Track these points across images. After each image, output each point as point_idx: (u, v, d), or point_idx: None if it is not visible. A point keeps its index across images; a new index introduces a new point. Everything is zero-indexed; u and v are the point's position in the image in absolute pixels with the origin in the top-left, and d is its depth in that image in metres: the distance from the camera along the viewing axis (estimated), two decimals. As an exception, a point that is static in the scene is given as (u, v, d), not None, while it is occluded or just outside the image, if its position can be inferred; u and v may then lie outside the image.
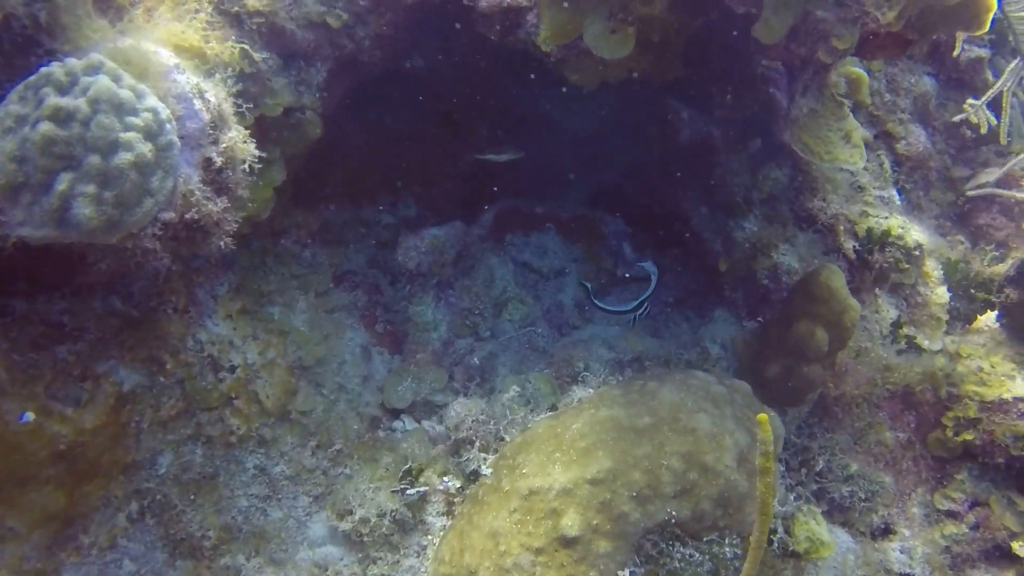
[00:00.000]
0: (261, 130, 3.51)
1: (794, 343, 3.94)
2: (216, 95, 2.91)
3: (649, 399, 3.21)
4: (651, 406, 3.16)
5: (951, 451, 3.98)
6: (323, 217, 4.77)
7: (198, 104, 2.75)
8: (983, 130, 4.33)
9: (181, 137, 2.70)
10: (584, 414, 3.29)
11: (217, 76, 3.11)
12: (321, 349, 4.16)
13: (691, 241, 5.11)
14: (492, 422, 3.62)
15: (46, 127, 2.35)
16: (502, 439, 3.59)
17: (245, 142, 2.95)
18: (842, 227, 5.05)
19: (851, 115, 3.95)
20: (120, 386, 3.43)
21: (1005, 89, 3.90)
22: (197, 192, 2.74)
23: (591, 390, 3.61)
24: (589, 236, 5.21)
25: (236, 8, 3.24)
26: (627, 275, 5.09)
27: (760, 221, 4.89)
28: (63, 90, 2.41)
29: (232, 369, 3.77)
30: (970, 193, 5.19)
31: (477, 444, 3.56)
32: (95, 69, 2.46)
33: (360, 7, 3.68)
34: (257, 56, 3.26)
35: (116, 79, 2.47)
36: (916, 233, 5.18)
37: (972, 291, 4.46)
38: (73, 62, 2.46)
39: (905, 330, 4.70)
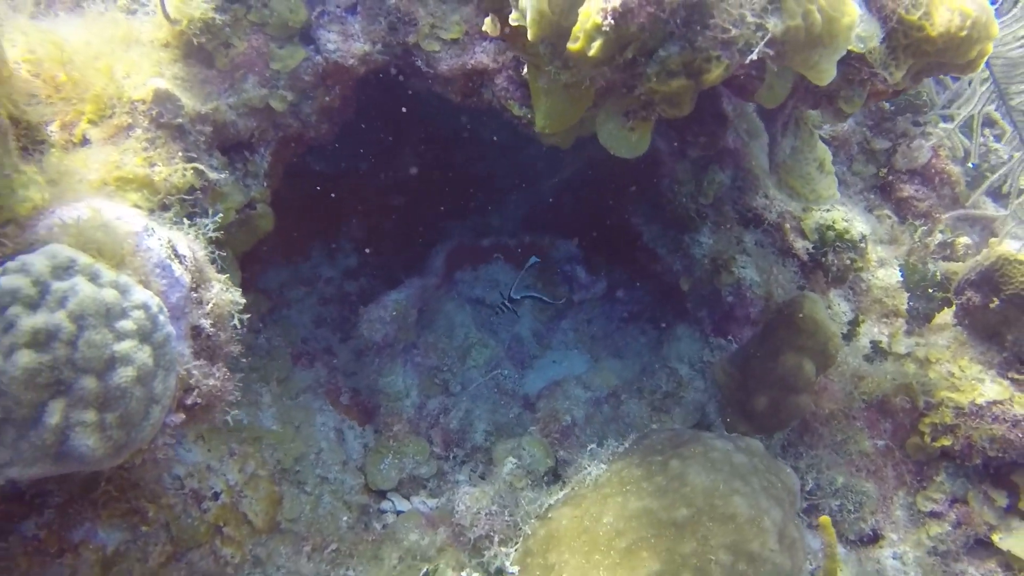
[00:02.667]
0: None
1: (780, 375, 3.98)
2: (188, 245, 2.52)
3: (679, 485, 3.15)
4: (684, 494, 3.10)
5: (929, 455, 4.18)
6: (260, 285, 4.37)
7: (177, 269, 2.37)
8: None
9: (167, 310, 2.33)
10: (611, 504, 3.20)
11: (173, 209, 2.70)
12: (297, 445, 3.86)
13: (643, 257, 5.04)
14: (506, 512, 3.48)
15: (26, 358, 1.95)
16: (518, 527, 3.46)
17: (228, 290, 2.58)
18: (788, 225, 5.11)
19: (819, 139, 3.93)
20: (103, 550, 3.04)
21: (975, 113, 3.98)
22: (195, 372, 2.39)
23: (603, 465, 3.52)
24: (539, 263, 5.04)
25: (177, 119, 2.80)
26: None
27: (712, 232, 4.87)
28: (34, 305, 2.00)
29: (216, 496, 3.43)
30: (945, 217, 5.37)
31: (496, 539, 3.42)
32: (66, 270, 2.05)
33: (305, 83, 3.28)
34: (212, 175, 2.84)
35: (94, 278, 2.07)
36: (859, 224, 5.32)
37: (930, 291, 4.63)
38: (37, 265, 2.03)
39: (863, 327, 4.85)
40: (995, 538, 3.97)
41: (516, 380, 4.70)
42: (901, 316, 5.14)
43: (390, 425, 4.17)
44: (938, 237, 5.79)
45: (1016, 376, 4.19)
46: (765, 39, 2.27)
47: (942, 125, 4.60)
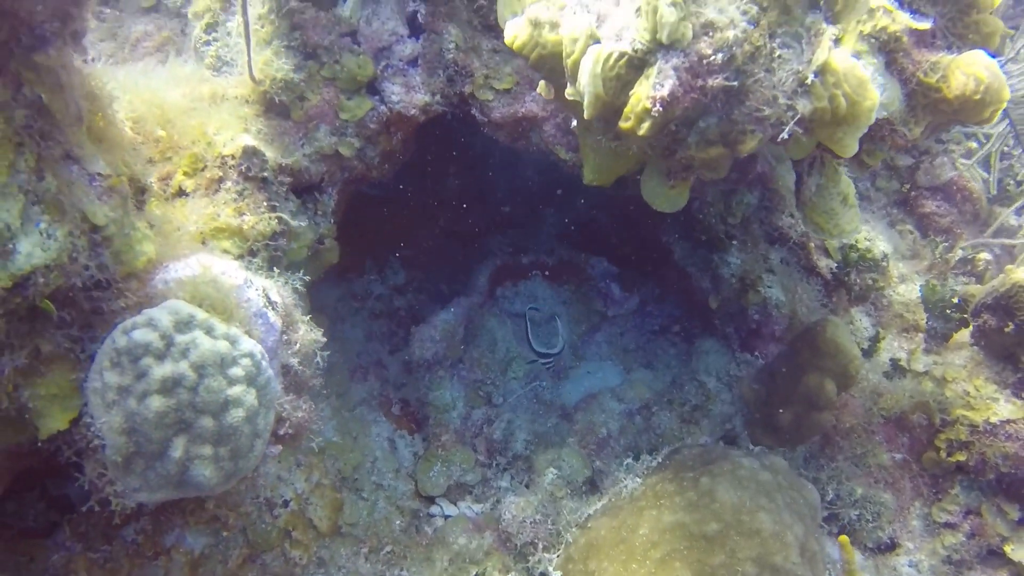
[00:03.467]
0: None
1: (803, 394, 4.26)
2: (279, 292, 2.85)
3: (708, 500, 3.46)
4: (714, 510, 3.41)
5: (944, 470, 4.45)
6: (317, 303, 4.71)
7: (272, 316, 2.70)
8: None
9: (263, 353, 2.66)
10: (646, 516, 3.52)
11: (260, 254, 3.03)
12: (356, 455, 4.20)
13: (673, 274, 5.32)
14: (549, 520, 3.81)
15: (157, 403, 2.29)
16: (559, 534, 3.78)
17: (311, 331, 2.92)
18: (813, 244, 5.38)
19: (844, 173, 4.18)
20: (191, 553, 3.41)
21: (993, 150, 4.22)
22: (286, 405, 2.72)
23: (638, 479, 3.83)
24: (575, 279, 5.35)
25: (263, 173, 3.12)
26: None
27: (739, 251, 5.13)
28: (161, 356, 2.34)
29: (285, 504, 3.78)
30: (964, 245, 5.60)
31: (540, 545, 3.75)
32: (187, 324, 2.39)
33: (370, 130, 3.59)
34: (292, 222, 3.17)
35: (209, 331, 2.41)
36: (881, 243, 5.57)
37: (948, 312, 4.88)
38: (163, 321, 2.37)
39: (884, 343, 5.10)
40: (1007, 549, 4.25)
41: (553, 391, 5.02)
42: (921, 330, 5.37)
43: (439, 436, 4.50)
44: (959, 253, 6.01)
45: (1029, 396, 4.45)
46: (795, 119, 2.55)
47: (961, 161, 4.83)
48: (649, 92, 2.43)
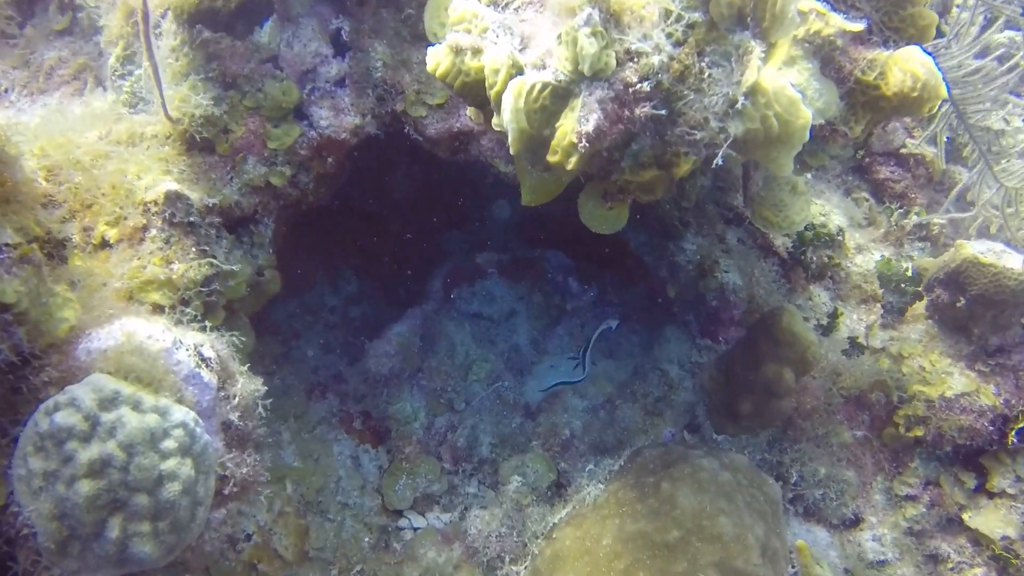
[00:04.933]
0: (225, 310, 3.37)
1: (763, 383, 4.27)
2: (211, 345, 2.76)
3: (669, 508, 3.46)
4: (674, 516, 3.42)
5: (904, 444, 4.50)
6: (270, 321, 4.62)
7: (205, 375, 2.62)
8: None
9: (199, 413, 2.59)
10: (609, 526, 3.52)
11: (192, 303, 2.94)
12: (318, 478, 4.16)
13: (631, 263, 5.28)
14: (515, 532, 3.80)
15: (87, 487, 2.22)
16: (527, 547, 3.78)
17: (250, 381, 2.84)
18: (767, 223, 5.34)
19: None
20: (151, 603, 3.37)
21: (938, 131, 4.19)
22: (229, 463, 2.66)
23: (601, 485, 3.82)
24: (532, 274, 5.29)
25: (189, 217, 3.01)
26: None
27: (695, 235, 5.09)
28: (87, 437, 2.26)
29: (248, 538, 3.74)
30: (918, 220, 5.56)
31: (507, 558, 3.75)
32: (112, 402, 2.30)
33: (301, 156, 3.48)
34: (225, 266, 3.07)
35: (136, 406, 2.33)
36: (836, 217, 5.55)
37: (903, 286, 4.88)
38: (86, 400, 2.28)
39: (843, 318, 5.10)
40: (965, 516, 4.32)
41: (516, 390, 4.99)
42: (879, 300, 5.40)
43: (402, 448, 4.46)
44: (914, 219, 6.01)
45: (982, 368, 4.48)
46: (728, 141, 2.48)
47: (909, 141, 4.81)
48: (574, 127, 2.35)
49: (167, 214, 2.94)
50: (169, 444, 2.34)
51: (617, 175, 2.69)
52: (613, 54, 2.35)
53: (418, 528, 4.32)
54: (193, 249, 3.01)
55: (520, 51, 2.60)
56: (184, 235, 3.01)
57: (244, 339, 3.58)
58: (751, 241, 5.31)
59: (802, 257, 5.29)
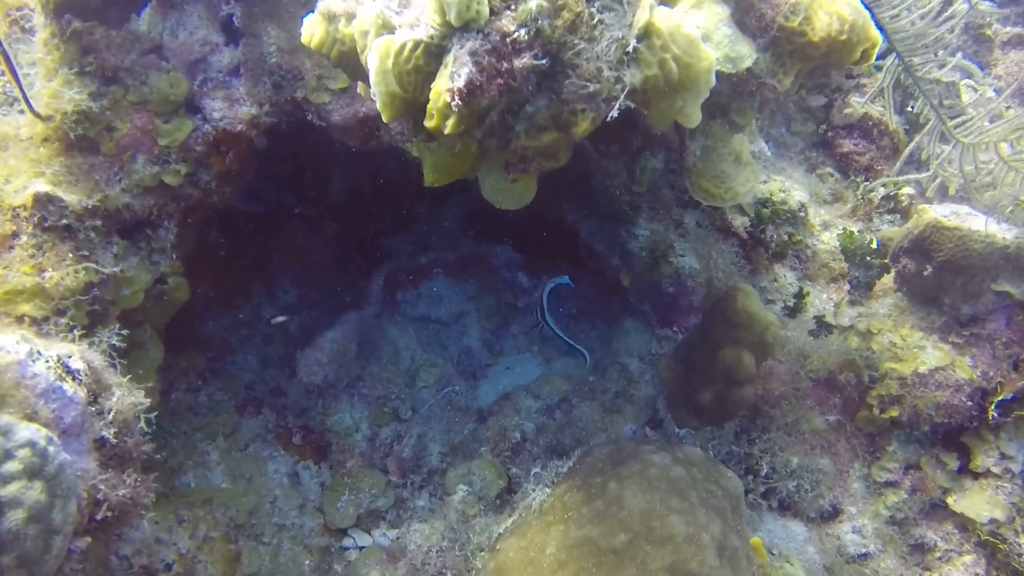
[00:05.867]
0: (125, 320, 3.11)
1: (722, 369, 4.01)
2: (82, 356, 2.51)
3: (616, 509, 3.19)
4: (621, 519, 3.14)
5: (880, 427, 4.23)
6: (202, 336, 4.37)
7: (69, 388, 2.36)
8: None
9: (62, 432, 2.34)
10: (554, 533, 3.25)
11: (70, 312, 2.69)
12: (250, 499, 3.89)
13: (583, 253, 5.03)
14: (457, 547, 3.53)
15: (-90, 521, 1.95)
16: (469, 561, 3.51)
17: (130, 394, 2.58)
18: (725, 203, 5.09)
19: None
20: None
21: (885, 86, 3.96)
22: (101, 486, 2.39)
23: (547, 489, 3.56)
24: (480, 272, 5.04)
25: (63, 220, 2.76)
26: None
27: (649, 221, 4.84)
28: (-87, 463, 2.00)
29: (168, 567, 3.47)
30: (873, 184, 5.31)
31: (449, 574, 3.48)
32: (-57, 422, 2.05)
33: (198, 152, 3.23)
34: (106, 269, 2.82)
35: (-27, 424, 2.07)
36: (797, 192, 5.30)
37: (868, 259, 4.64)
38: (-88, 422, 2.03)
39: (811, 298, 4.85)
40: (950, 500, 4.05)
41: (469, 395, 4.73)
42: (847, 278, 5.15)
43: (343, 462, 4.20)
44: (880, 192, 5.77)
45: (956, 340, 4.22)
46: (625, 91, 2.24)
47: (855, 100, 4.59)
48: (446, 84, 2.11)
49: (36, 218, 2.69)
50: (12, 467, 2.08)
51: (514, 141, 2.44)
52: (486, 2, 2.11)
53: (363, 547, 4.05)
54: (70, 255, 2.76)
55: (398, 13, 2.36)
56: (59, 240, 2.76)
57: (152, 353, 3.33)
58: (709, 223, 5.07)
59: (762, 236, 5.05)
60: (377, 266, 4.81)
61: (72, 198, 2.83)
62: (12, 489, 2.06)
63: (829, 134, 6.05)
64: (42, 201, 2.71)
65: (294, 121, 3.30)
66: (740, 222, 5.19)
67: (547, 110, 2.39)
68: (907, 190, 5.80)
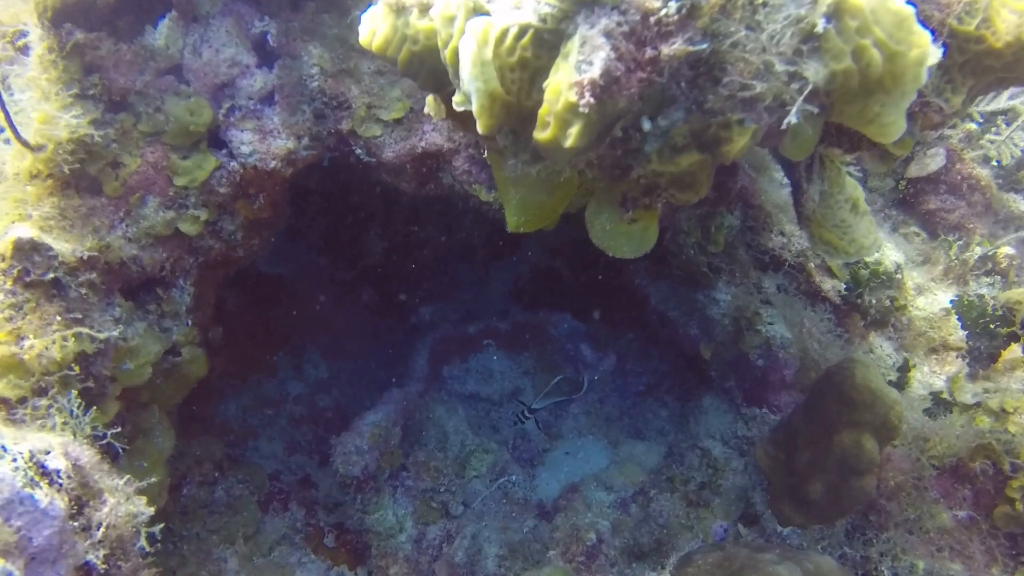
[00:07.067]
0: (128, 401, 2.50)
1: (838, 456, 3.34)
2: (64, 450, 1.88)
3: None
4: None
5: (1023, 525, 3.51)
6: (218, 418, 3.73)
7: (42, 497, 1.73)
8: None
9: (31, 559, 1.69)
10: (662, 673, 2.54)
11: (53, 390, 2.07)
12: (272, 619, 3.19)
13: (653, 321, 4.41)
14: None
15: None
16: None
17: (127, 501, 1.94)
18: (812, 264, 4.49)
19: (847, 173, 3.32)
20: None
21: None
22: (81, 635, 1.73)
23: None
24: (537, 343, 4.41)
25: (50, 273, 2.17)
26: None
27: (727, 285, 4.25)
28: None
29: None
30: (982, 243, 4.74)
31: None
32: None
33: (221, 196, 2.66)
34: (103, 334, 2.21)
35: None
36: (891, 253, 4.72)
37: (992, 327, 3.99)
38: None
39: (915, 372, 4.21)
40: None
41: (527, 485, 4.05)
42: (952, 349, 4.52)
43: (385, 568, 3.50)
44: (976, 252, 5.17)
45: (1114, 421, 3.54)
46: (805, 92, 1.65)
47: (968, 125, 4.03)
48: (572, 77, 1.52)
49: (15, 271, 2.10)
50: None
51: (640, 167, 1.85)
52: (622, -33, 1.54)
53: (409, 677, 3.32)
54: (57, 318, 2.16)
55: (488, -1, 1.80)
56: (45, 299, 2.17)
57: (161, 440, 2.70)
58: (794, 288, 4.45)
59: (858, 301, 4.42)
60: (420, 337, 4.19)
61: (63, 247, 2.24)
62: (-55, 655, 1.41)
63: (911, 190, 5.51)
64: (24, 249, 2.12)
65: (337, 157, 2.73)
66: (830, 286, 4.57)
67: (685, 124, 1.80)
68: (1007, 250, 5.21)
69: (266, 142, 2.61)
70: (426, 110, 2.16)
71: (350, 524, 3.69)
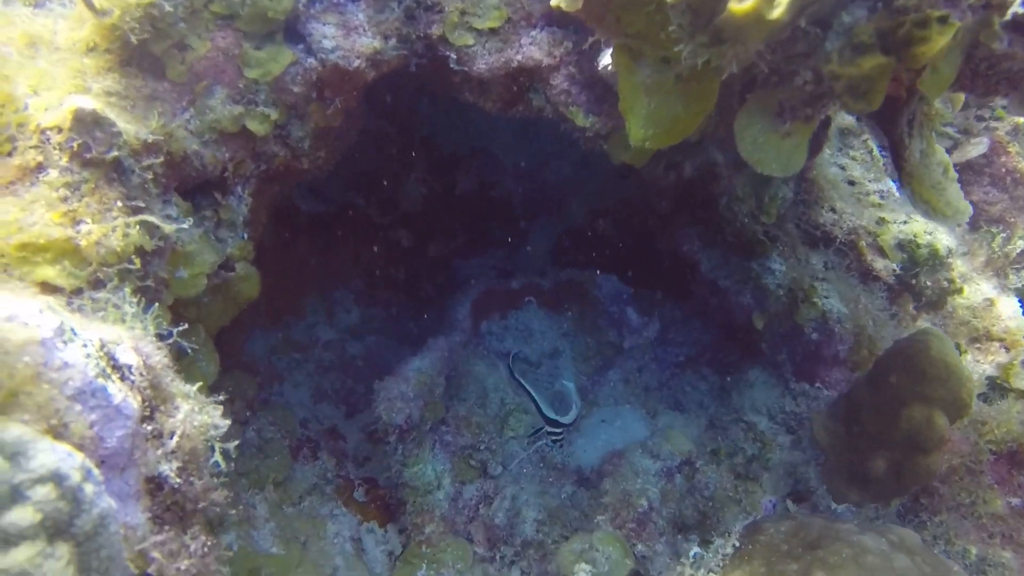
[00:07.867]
0: (176, 316, 2.24)
1: (906, 432, 3.17)
2: (135, 345, 1.62)
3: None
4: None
5: (1084, 518, 3.37)
6: (243, 353, 3.48)
7: (116, 392, 1.47)
8: None
9: (103, 462, 1.44)
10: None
11: (111, 284, 1.81)
12: (306, 569, 2.94)
13: (701, 290, 4.20)
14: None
15: None
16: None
17: (201, 411, 1.69)
18: (864, 243, 4.31)
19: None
20: None
21: None
22: (155, 553, 1.48)
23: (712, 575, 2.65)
24: (579, 304, 4.18)
25: (112, 152, 1.90)
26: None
27: (781, 256, 4.06)
28: None
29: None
30: None
31: None
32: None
33: (295, 95, 2.40)
34: (167, 227, 1.95)
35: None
36: (943, 236, 4.55)
37: (1050, 307, 3.85)
38: None
39: (968, 355, 4.06)
40: None
41: (563, 450, 3.83)
42: (994, 339, 4.38)
43: (421, 527, 3.26)
44: (1019, 245, 5.04)
45: None
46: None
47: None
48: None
49: (75, 145, 1.83)
50: (20, 516, 1.18)
51: (814, 66, 1.63)
52: None
53: (445, 642, 3.09)
54: (118, 204, 1.89)
55: None
56: (104, 182, 1.90)
57: (204, 365, 2.46)
58: (844, 265, 4.26)
59: (913, 282, 4.25)
60: (460, 289, 3.94)
61: (128, 127, 1.97)
62: (19, 558, 1.16)
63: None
64: (85, 122, 1.85)
65: (425, 65, 2.48)
66: (882, 265, 4.39)
67: (870, 20, 1.58)
68: (1053, 243, 5.07)
69: (350, 38, 2.34)
70: (553, 2, 1.92)
71: (381, 479, 3.46)
